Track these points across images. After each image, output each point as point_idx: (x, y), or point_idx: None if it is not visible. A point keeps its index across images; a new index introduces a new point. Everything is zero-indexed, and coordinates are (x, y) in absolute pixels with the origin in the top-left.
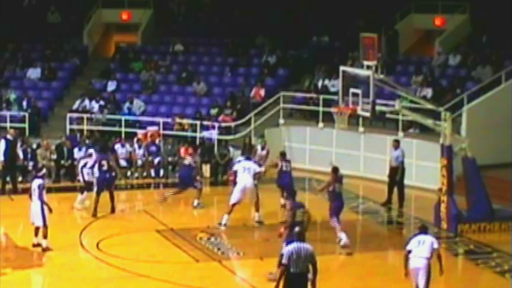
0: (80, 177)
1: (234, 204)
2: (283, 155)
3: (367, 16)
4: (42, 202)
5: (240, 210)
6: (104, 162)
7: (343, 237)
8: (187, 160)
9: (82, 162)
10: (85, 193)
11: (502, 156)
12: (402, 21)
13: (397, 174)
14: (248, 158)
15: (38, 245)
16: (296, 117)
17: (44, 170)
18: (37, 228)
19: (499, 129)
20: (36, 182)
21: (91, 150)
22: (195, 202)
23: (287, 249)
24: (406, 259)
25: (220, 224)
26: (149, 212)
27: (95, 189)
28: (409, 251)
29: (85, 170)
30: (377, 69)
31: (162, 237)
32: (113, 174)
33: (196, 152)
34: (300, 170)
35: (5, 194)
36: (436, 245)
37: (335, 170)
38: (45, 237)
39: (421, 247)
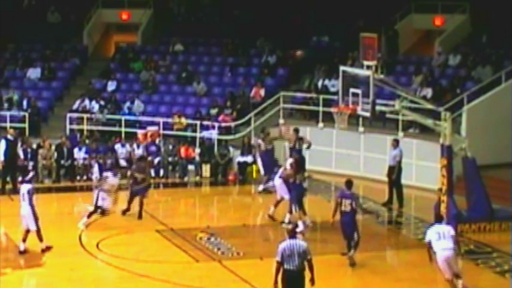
0: (95, 201)
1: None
2: (296, 131)
3: (367, 16)
4: (32, 206)
5: (240, 210)
6: (137, 175)
7: (299, 224)
8: (262, 146)
9: (97, 185)
10: (92, 217)
11: (502, 156)
12: (402, 21)
13: (394, 173)
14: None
15: (25, 251)
16: (296, 117)
17: (32, 174)
18: (27, 233)
19: (499, 129)
20: (25, 187)
21: (107, 174)
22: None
23: (280, 246)
24: (430, 247)
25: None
26: (149, 212)
27: (128, 198)
28: (430, 242)
29: (101, 194)
30: (377, 69)
31: (162, 237)
32: (146, 184)
33: (267, 137)
34: None
35: (5, 194)
36: (452, 232)
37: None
38: (41, 240)
39: (443, 240)
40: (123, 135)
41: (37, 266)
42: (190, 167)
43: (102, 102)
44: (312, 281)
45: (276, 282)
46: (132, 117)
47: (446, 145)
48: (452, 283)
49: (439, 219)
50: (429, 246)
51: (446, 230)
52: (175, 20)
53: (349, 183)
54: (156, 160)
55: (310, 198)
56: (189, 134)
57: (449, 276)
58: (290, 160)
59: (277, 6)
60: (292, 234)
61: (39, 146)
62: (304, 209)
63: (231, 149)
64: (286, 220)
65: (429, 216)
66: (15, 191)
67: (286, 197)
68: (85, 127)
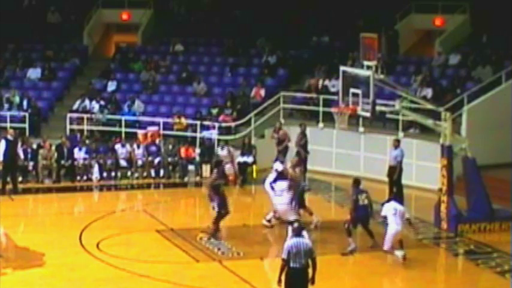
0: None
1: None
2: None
3: (367, 16)
4: None
5: (240, 210)
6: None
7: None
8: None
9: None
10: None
11: (502, 156)
12: (402, 21)
13: (394, 173)
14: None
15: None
16: (296, 117)
17: None
18: None
19: (499, 129)
20: None
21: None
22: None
23: (287, 244)
24: (385, 220)
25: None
26: (149, 212)
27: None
28: (386, 216)
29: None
30: (377, 69)
31: (162, 237)
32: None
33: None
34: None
35: (5, 194)
36: (407, 215)
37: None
38: None
39: (398, 217)
40: (123, 135)
41: (37, 266)
42: (190, 167)
43: (102, 102)
44: (313, 280)
45: (280, 280)
46: (132, 118)
47: (446, 145)
48: (387, 253)
49: (396, 198)
50: (384, 220)
51: (401, 208)
52: (175, 20)
53: (357, 182)
54: (156, 160)
55: (311, 198)
56: (189, 134)
57: (388, 248)
58: (279, 165)
59: (277, 6)
60: (299, 232)
61: (39, 146)
62: (309, 208)
63: (231, 149)
64: (268, 217)
65: (429, 216)
66: (16, 191)
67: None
68: (85, 127)
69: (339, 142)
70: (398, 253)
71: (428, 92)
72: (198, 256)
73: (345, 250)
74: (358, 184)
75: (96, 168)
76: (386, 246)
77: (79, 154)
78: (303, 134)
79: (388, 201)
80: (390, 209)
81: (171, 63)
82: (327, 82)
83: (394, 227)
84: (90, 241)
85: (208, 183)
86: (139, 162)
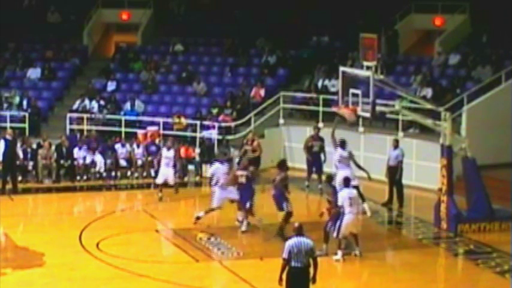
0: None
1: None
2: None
3: (367, 16)
4: None
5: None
6: None
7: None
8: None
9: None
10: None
11: (502, 156)
12: (402, 21)
13: (396, 173)
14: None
15: None
16: (296, 117)
17: None
18: None
19: (499, 129)
20: None
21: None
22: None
23: (287, 243)
24: (343, 210)
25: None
26: (149, 212)
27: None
28: (343, 206)
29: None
30: (377, 70)
31: (161, 237)
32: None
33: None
34: (300, 170)
35: (4, 194)
36: (357, 196)
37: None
38: None
39: (354, 205)
40: (123, 135)
41: (37, 266)
42: (190, 167)
43: (102, 102)
44: (314, 279)
45: (280, 279)
46: (132, 117)
47: (446, 145)
48: (340, 241)
49: (347, 183)
50: (342, 209)
51: (355, 194)
52: (175, 20)
53: (331, 178)
54: (156, 160)
55: (311, 198)
56: (189, 134)
57: (343, 236)
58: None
59: (277, 6)
60: (299, 231)
61: (39, 146)
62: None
63: (231, 149)
64: (240, 218)
65: (429, 216)
66: (15, 191)
67: (237, 197)
68: (85, 127)
69: None
70: (355, 252)
71: (428, 92)
72: (198, 256)
73: (346, 250)
74: (331, 180)
75: (100, 158)
76: (340, 235)
77: (79, 154)
78: (313, 138)
79: (345, 186)
80: (346, 198)
81: (171, 63)
82: (326, 82)
83: (350, 216)
84: (90, 241)
85: (277, 184)
86: (139, 162)
